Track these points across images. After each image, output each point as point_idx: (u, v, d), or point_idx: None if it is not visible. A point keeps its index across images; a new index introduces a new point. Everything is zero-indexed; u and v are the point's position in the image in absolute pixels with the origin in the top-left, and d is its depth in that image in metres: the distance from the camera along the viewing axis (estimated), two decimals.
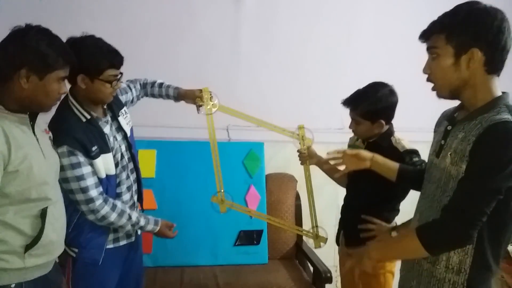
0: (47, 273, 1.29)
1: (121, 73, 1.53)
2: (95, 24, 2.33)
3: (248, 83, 2.57)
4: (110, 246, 1.60)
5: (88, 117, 1.49)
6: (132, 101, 1.83)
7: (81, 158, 1.42)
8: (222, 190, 1.74)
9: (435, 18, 1.15)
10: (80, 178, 1.42)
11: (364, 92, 1.61)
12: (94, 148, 1.45)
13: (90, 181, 1.45)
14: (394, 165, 1.49)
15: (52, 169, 1.31)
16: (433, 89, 1.18)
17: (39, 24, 1.25)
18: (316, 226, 1.77)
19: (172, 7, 2.45)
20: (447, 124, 1.21)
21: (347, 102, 1.63)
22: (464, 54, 1.09)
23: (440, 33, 1.12)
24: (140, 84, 1.89)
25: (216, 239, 2.35)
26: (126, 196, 1.62)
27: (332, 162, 1.63)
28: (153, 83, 1.89)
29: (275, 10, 2.55)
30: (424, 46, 1.22)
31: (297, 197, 2.51)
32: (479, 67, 1.10)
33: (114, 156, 1.55)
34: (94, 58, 1.43)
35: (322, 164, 1.83)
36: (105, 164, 1.50)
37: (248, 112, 2.59)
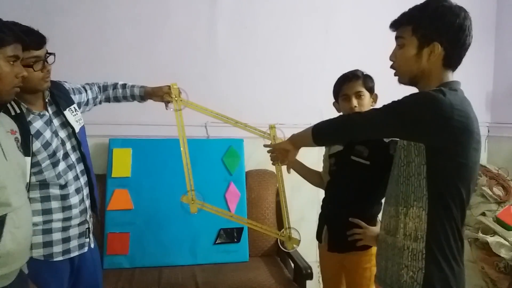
0: (8, 284, 1.19)
1: (50, 54, 1.40)
2: (67, 20, 2.26)
3: (226, 80, 2.53)
4: (59, 258, 1.47)
5: (18, 111, 1.36)
6: (87, 104, 1.72)
7: None
8: (192, 190, 1.68)
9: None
10: None
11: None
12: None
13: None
14: (307, 130, 1.45)
15: (15, 172, 1.22)
16: (395, 75, 1.27)
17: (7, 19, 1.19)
18: (289, 228, 1.74)
19: (145, 2, 2.38)
20: None
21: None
22: (427, 46, 1.18)
23: (408, 24, 1.20)
24: (98, 87, 1.79)
25: (195, 238, 2.31)
26: (74, 199, 1.50)
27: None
28: (114, 85, 1.80)
29: (252, 5, 2.52)
30: None
31: (278, 194, 2.49)
32: (437, 61, 1.18)
33: (54, 155, 1.44)
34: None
35: (294, 165, 1.81)
36: None
37: (226, 109, 2.53)
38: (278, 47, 2.57)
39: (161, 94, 1.73)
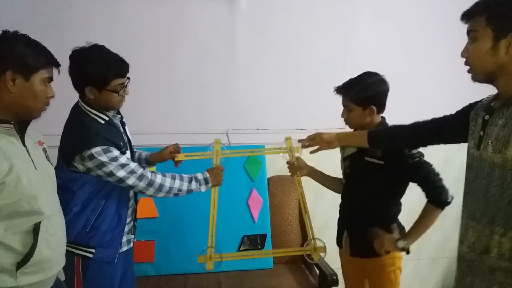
0: None
1: (128, 78, 1.57)
2: (89, 32, 2.33)
3: (246, 87, 2.55)
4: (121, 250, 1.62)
5: (106, 118, 1.54)
6: None
7: (116, 152, 1.49)
8: (212, 247, 1.76)
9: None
10: (123, 165, 1.49)
11: (356, 78, 1.64)
12: (121, 144, 1.54)
13: (133, 164, 1.53)
14: (361, 132, 1.57)
15: (46, 181, 1.26)
16: (469, 71, 1.15)
17: (33, 33, 1.23)
18: (314, 239, 1.74)
19: (166, 14, 2.43)
20: (484, 114, 1.15)
21: (340, 89, 1.66)
22: (504, 38, 1.05)
23: (481, 15, 1.08)
24: None
25: (219, 245, 2.28)
26: (131, 199, 1.66)
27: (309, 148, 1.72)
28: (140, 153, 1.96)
29: (270, 12, 2.53)
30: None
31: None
32: None
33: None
34: (99, 70, 1.46)
35: (314, 174, 1.83)
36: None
37: (247, 116, 2.57)
38: (297, 53, 2.57)
39: (164, 156, 1.89)
